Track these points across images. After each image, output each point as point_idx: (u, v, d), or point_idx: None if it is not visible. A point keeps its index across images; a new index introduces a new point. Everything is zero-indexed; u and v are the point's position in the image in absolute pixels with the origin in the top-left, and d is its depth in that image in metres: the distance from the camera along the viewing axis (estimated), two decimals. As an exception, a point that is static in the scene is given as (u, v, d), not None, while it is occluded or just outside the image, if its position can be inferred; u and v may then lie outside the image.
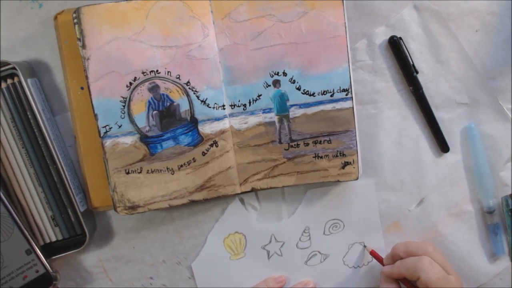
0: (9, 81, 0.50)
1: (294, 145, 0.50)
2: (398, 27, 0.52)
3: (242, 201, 0.54)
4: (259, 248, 0.55)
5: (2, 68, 0.50)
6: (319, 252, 0.55)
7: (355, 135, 0.49)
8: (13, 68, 0.49)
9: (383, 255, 0.54)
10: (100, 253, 0.55)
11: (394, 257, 0.51)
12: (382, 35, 0.52)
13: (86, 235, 0.51)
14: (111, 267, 0.55)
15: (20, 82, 0.49)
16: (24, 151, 0.50)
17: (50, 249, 0.52)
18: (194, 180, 0.50)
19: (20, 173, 0.51)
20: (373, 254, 0.54)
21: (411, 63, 0.52)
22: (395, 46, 0.51)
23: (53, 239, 0.52)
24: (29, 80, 0.49)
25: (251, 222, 0.54)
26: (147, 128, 0.48)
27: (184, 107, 0.49)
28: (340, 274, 0.55)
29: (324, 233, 0.55)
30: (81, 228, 0.52)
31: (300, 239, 0.55)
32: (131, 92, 0.48)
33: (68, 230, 0.52)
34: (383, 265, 0.52)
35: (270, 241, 0.55)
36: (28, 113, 0.50)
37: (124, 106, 0.48)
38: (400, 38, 0.51)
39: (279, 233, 0.55)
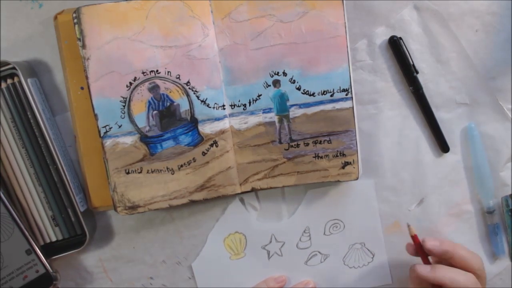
0: (9, 81, 0.50)
1: (294, 145, 0.50)
2: (398, 27, 0.52)
3: (242, 201, 0.54)
4: (259, 248, 0.55)
5: (2, 68, 0.50)
6: (319, 252, 0.55)
7: (355, 135, 0.49)
8: (13, 68, 0.49)
9: (383, 255, 0.54)
10: (100, 253, 0.55)
11: (437, 254, 0.47)
12: (382, 35, 0.52)
13: (86, 235, 0.51)
14: (111, 267, 0.55)
15: (20, 82, 0.49)
16: (24, 151, 0.50)
17: (50, 249, 0.52)
18: (194, 180, 0.50)
19: (20, 173, 0.51)
20: (415, 239, 0.49)
21: (411, 63, 0.52)
22: (395, 46, 0.51)
23: (53, 239, 0.52)
24: (29, 80, 0.49)
25: (251, 222, 0.54)
26: (147, 128, 0.48)
27: (184, 107, 0.49)
28: (340, 274, 0.55)
29: (324, 233, 0.55)
30: (81, 228, 0.52)
31: (300, 239, 0.55)
32: (131, 92, 0.48)
33: (68, 230, 0.52)
34: (426, 262, 0.49)
35: (270, 241, 0.55)
36: (28, 113, 0.50)
37: (124, 106, 0.48)
38: (400, 38, 0.51)
39: (279, 233, 0.55)
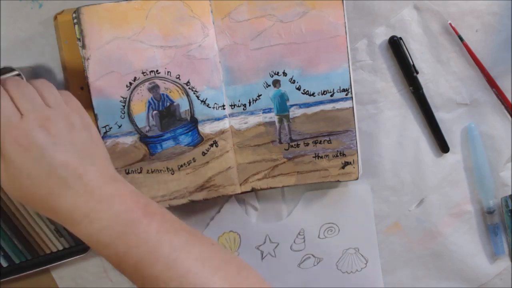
0: None
1: (294, 145, 0.50)
2: (398, 27, 0.52)
3: (239, 200, 0.54)
4: (253, 248, 0.55)
5: (8, 75, 0.49)
6: (312, 255, 0.55)
7: (355, 135, 0.49)
8: (18, 74, 0.49)
9: (376, 261, 0.54)
10: (100, 253, 0.55)
11: None
12: (382, 35, 0.52)
13: None
14: (111, 267, 0.55)
15: None
16: None
17: (54, 256, 0.53)
18: (194, 180, 0.50)
19: None
20: None
21: (411, 63, 0.51)
22: (395, 46, 0.51)
23: (59, 247, 0.52)
24: None
25: (246, 221, 0.54)
26: (147, 128, 0.48)
27: (184, 107, 0.49)
28: (333, 278, 0.55)
29: (318, 237, 0.55)
30: None
31: (294, 241, 0.55)
32: (131, 92, 0.48)
33: (73, 238, 0.52)
34: None
35: (264, 242, 0.55)
36: None
37: (124, 106, 0.48)
38: (400, 38, 0.51)
39: (274, 234, 0.55)
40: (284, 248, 0.55)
